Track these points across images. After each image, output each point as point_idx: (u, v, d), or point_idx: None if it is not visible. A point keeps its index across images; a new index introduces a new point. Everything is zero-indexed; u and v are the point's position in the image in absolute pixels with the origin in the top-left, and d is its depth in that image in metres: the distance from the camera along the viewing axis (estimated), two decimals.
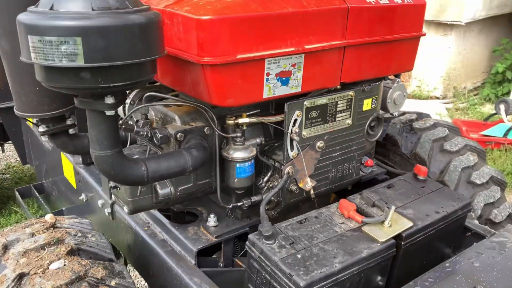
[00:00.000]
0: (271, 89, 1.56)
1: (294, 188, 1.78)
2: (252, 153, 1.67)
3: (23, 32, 1.11)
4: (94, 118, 1.27)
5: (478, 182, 2.32)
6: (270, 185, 1.78)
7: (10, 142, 3.46)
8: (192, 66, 1.47)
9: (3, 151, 3.80)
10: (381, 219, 1.64)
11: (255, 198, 1.79)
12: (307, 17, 1.55)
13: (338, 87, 1.79)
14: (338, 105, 1.80)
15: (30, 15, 1.11)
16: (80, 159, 2.43)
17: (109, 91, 1.17)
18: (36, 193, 3.03)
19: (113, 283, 1.54)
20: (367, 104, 1.89)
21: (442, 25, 6.22)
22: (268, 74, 1.52)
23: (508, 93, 6.16)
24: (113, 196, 1.73)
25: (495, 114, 5.34)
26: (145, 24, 1.15)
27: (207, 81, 1.44)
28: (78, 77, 1.12)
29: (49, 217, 1.79)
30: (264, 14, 1.45)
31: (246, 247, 1.58)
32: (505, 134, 5.00)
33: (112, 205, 2.09)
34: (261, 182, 1.80)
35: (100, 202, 2.18)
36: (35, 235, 1.66)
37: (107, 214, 2.12)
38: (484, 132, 5.00)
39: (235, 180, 1.68)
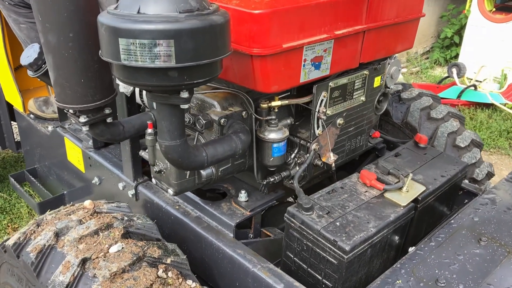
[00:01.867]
0: (307, 74, 1.68)
1: (319, 162, 1.93)
2: (285, 134, 1.79)
3: (111, 34, 1.15)
4: (167, 111, 1.33)
5: (462, 145, 2.56)
6: (298, 161, 1.92)
7: None
8: (239, 56, 1.55)
9: None
10: (400, 185, 1.83)
11: (284, 174, 1.93)
12: (337, 5, 1.67)
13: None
14: (355, 84, 1.95)
15: (117, 18, 1.14)
16: (90, 143, 2.45)
17: (189, 87, 1.25)
18: (32, 178, 2.99)
19: (168, 260, 1.65)
20: (377, 81, 2.06)
21: None
22: (305, 60, 1.64)
23: (456, 57, 6.58)
24: (153, 180, 1.80)
25: (448, 77, 5.69)
26: (224, 24, 1.22)
27: (255, 70, 1.54)
28: (166, 75, 1.18)
29: (88, 203, 1.84)
30: (304, 4, 1.55)
31: (285, 219, 1.72)
32: (459, 96, 5.37)
33: (136, 187, 2.16)
34: (289, 159, 1.94)
35: (121, 184, 2.24)
36: (83, 222, 1.72)
37: (130, 196, 2.19)
38: (439, 95, 5.33)
39: (271, 159, 1.81)
